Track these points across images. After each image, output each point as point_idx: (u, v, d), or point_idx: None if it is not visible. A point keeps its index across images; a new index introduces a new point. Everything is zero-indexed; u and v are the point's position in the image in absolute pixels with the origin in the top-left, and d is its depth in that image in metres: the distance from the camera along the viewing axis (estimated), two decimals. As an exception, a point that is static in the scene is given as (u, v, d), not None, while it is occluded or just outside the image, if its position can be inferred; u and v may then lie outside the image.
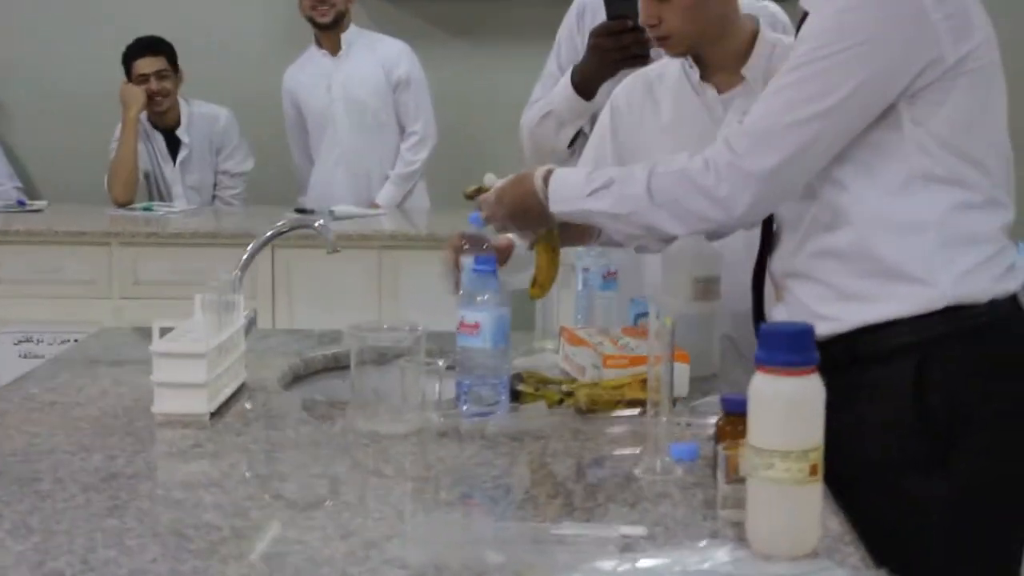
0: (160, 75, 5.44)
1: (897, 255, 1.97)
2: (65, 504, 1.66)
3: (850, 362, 2.00)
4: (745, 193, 2.00)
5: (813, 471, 1.48)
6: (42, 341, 4.87)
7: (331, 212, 5.20)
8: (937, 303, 1.96)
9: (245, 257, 2.47)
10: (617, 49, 3.00)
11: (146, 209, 5.29)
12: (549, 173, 2.19)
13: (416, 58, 5.53)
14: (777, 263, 2.13)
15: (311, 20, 5.43)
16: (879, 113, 1.95)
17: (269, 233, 2.51)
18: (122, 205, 5.33)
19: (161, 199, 5.56)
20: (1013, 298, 2.03)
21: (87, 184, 5.76)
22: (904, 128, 1.95)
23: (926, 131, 1.95)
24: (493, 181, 2.29)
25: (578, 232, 2.38)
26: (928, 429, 1.96)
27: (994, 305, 1.99)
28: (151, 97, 5.42)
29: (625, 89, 2.73)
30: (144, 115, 5.46)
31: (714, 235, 2.34)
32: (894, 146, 1.96)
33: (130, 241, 4.87)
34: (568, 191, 2.17)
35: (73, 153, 6.03)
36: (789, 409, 1.48)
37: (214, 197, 5.67)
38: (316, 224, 2.52)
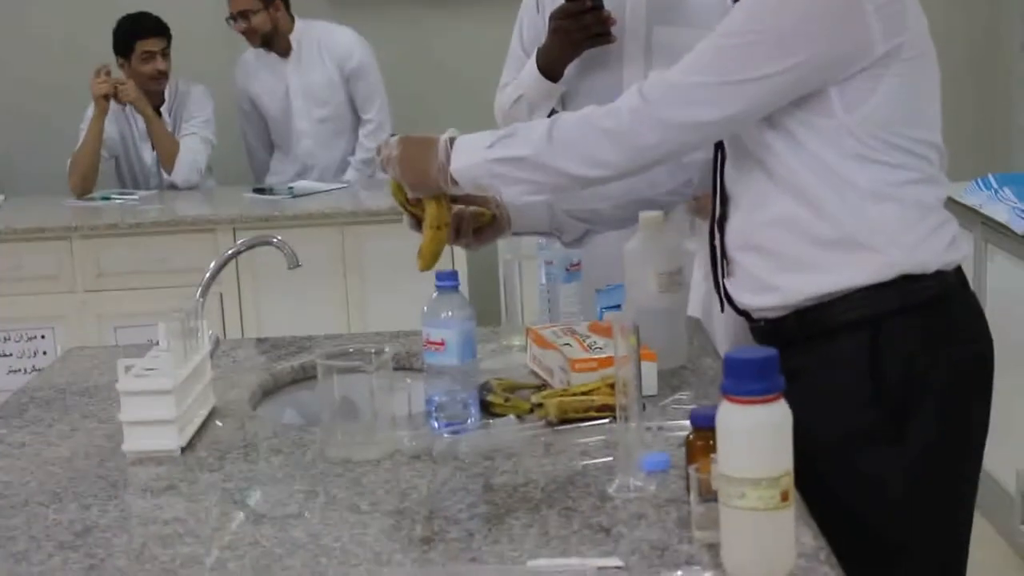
0: (164, 54, 5.39)
1: (846, 223, 1.99)
2: (42, 566, 1.66)
3: (804, 338, 2.03)
4: (650, 133, 2.01)
5: (784, 497, 1.49)
6: (9, 339, 4.86)
7: (290, 189, 5.20)
8: (888, 272, 1.99)
9: (206, 278, 2.45)
10: (579, 30, 2.99)
11: (104, 199, 5.25)
12: (454, 138, 2.16)
13: (366, 44, 5.53)
14: (729, 236, 2.14)
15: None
16: (803, 94, 1.97)
17: (228, 252, 2.49)
18: (80, 196, 5.28)
19: (135, 181, 5.51)
20: (958, 269, 2.08)
21: (45, 173, 5.73)
22: (837, 115, 1.97)
23: (857, 118, 1.97)
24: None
25: (488, 230, 2.35)
26: (883, 402, 2.00)
27: (941, 276, 2.03)
28: (154, 77, 5.37)
29: None
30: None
31: (643, 203, 2.35)
32: (829, 130, 1.98)
33: (90, 234, 4.86)
34: (470, 147, 2.12)
35: (31, 142, 5.98)
36: (757, 438, 1.49)
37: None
38: (275, 240, 2.50)
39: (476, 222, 2.31)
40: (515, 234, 2.38)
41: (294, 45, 5.47)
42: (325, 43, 5.48)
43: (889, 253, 1.99)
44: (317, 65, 5.47)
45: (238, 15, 5.35)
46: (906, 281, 2.00)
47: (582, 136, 2.05)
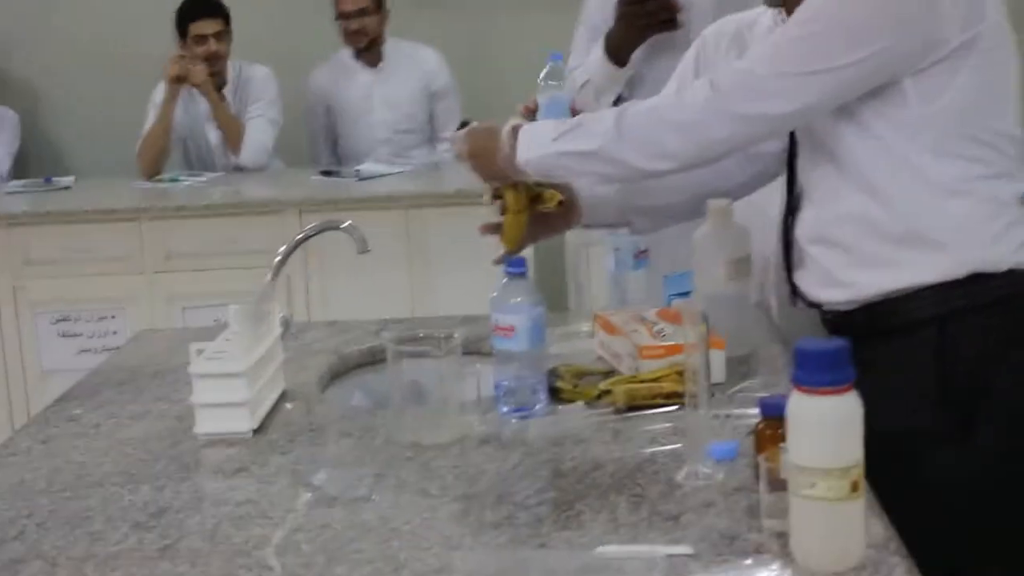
0: (218, 37, 5.43)
1: (918, 218, 1.97)
2: (118, 547, 1.68)
3: (872, 333, 2.01)
4: (719, 126, 2.01)
5: (854, 487, 1.49)
6: (79, 319, 4.92)
7: (357, 171, 5.23)
8: (958, 270, 1.97)
9: (277, 262, 2.47)
10: (645, 16, 3.00)
11: (172, 180, 5.30)
12: (518, 127, 2.17)
13: (448, 66, 5.66)
14: (800, 229, 2.13)
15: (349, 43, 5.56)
16: (877, 85, 1.95)
17: (299, 236, 2.51)
18: (149, 178, 5.34)
19: (202, 163, 5.56)
20: None
21: (113, 155, 5.79)
22: (912, 106, 1.95)
23: (934, 110, 1.95)
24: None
25: (560, 219, 2.35)
26: (950, 401, 1.98)
27: (1012, 275, 2.00)
28: (207, 59, 5.40)
29: (715, 30, 2.71)
30: None
31: (706, 194, 2.35)
32: (905, 121, 1.97)
33: (159, 215, 4.90)
34: (536, 139, 2.13)
35: (99, 124, 6.04)
36: (828, 428, 1.49)
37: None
38: (345, 225, 2.52)
39: (542, 206, 2.31)
40: (585, 227, 2.39)
41: (384, 57, 5.57)
42: (414, 60, 5.62)
43: (961, 250, 1.97)
44: (404, 79, 5.60)
45: (355, 13, 5.44)
46: (977, 279, 1.97)
47: (651, 129, 2.05)
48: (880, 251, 2.01)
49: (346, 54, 5.61)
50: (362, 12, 5.44)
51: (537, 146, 2.12)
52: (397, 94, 5.58)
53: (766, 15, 2.56)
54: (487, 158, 2.17)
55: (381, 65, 5.59)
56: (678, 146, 2.03)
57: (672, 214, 2.40)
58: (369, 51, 5.55)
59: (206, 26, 5.39)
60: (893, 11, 1.92)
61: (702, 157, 2.07)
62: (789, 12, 2.18)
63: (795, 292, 2.18)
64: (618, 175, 2.11)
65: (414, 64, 5.62)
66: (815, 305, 2.14)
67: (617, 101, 3.15)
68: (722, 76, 2.03)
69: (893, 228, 1.98)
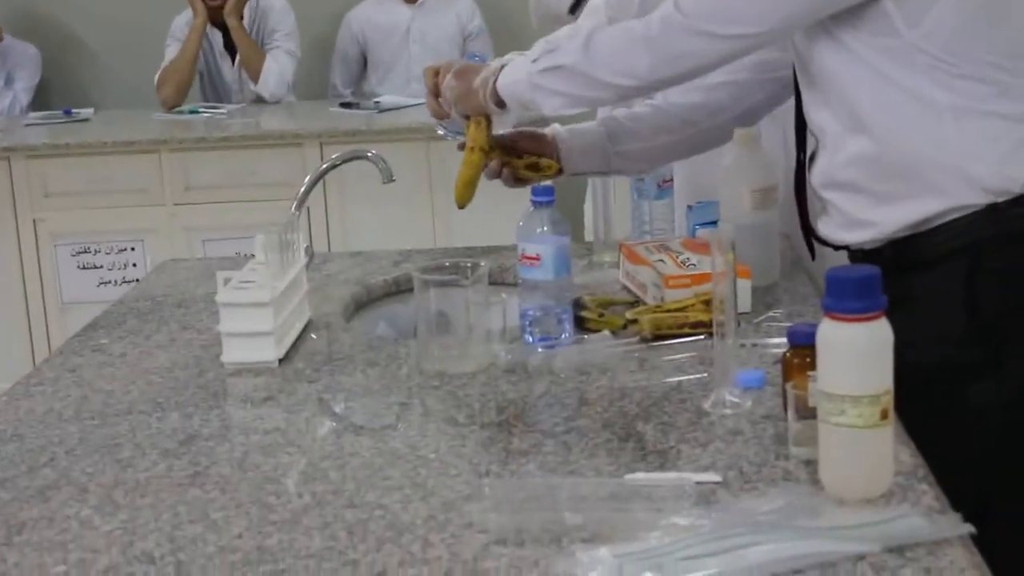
0: None
1: (924, 150, 1.93)
2: (147, 473, 1.69)
3: (900, 268, 1.99)
4: (681, 41, 2.01)
5: (884, 415, 1.49)
6: (99, 251, 4.93)
7: (376, 103, 5.21)
8: (976, 196, 1.92)
9: (302, 192, 2.47)
10: None
11: (192, 112, 5.29)
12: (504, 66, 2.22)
13: (480, 12, 5.75)
14: (815, 176, 2.11)
15: None
16: (845, 7, 1.92)
17: (324, 166, 2.51)
18: (170, 108, 5.33)
19: (217, 97, 5.56)
20: None
21: (134, 87, 5.79)
22: (900, 31, 1.91)
23: (924, 33, 1.89)
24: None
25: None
26: (980, 335, 1.95)
27: None
28: None
29: None
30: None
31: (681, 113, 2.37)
32: (897, 51, 1.92)
33: (178, 147, 4.90)
34: (518, 65, 2.18)
35: (119, 56, 6.03)
36: (858, 355, 1.48)
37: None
38: (370, 154, 2.52)
39: (541, 176, 2.35)
40: (573, 175, 2.40)
41: None
42: (449, 2, 5.70)
43: (973, 171, 1.91)
44: (440, 18, 5.68)
45: None
46: (1000, 208, 1.93)
47: (615, 44, 2.07)
48: (894, 187, 1.97)
49: None
50: None
51: (517, 70, 2.16)
52: (433, 31, 5.66)
53: None
54: (466, 80, 2.22)
55: (420, 1, 5.64)
56: (640, 62, 2.04)
57: (660, 156, 2.41)
58: None
59: None
60: None
61: (665, 74, 2.07)
62: None
63: (811, 240, 2.17)
64: (588, 95, 2.12)
65: (450, 6, 5.70)
66: (841, 247, 2.11)
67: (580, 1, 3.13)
68: None
69: (903, 163, 1.94)
